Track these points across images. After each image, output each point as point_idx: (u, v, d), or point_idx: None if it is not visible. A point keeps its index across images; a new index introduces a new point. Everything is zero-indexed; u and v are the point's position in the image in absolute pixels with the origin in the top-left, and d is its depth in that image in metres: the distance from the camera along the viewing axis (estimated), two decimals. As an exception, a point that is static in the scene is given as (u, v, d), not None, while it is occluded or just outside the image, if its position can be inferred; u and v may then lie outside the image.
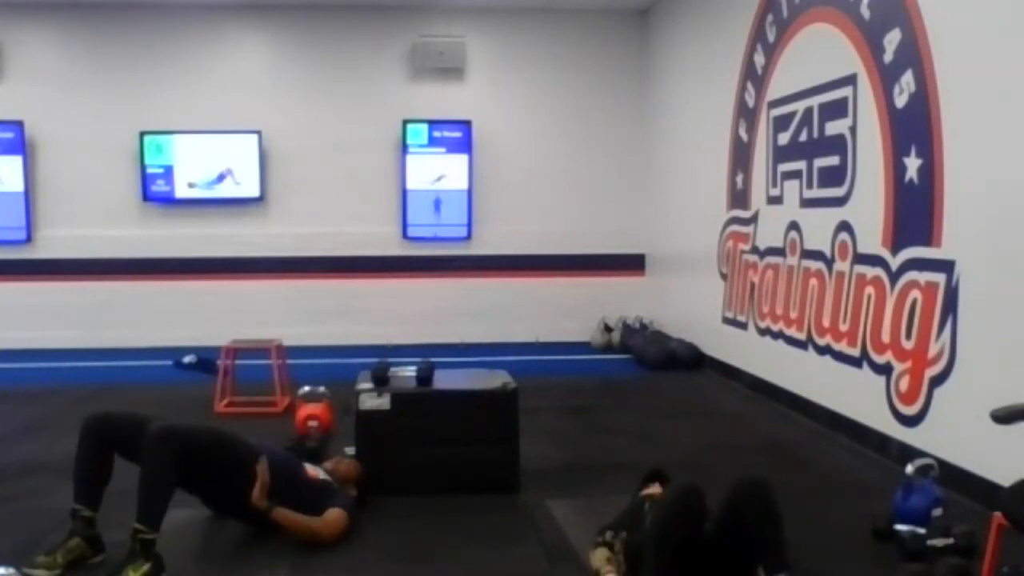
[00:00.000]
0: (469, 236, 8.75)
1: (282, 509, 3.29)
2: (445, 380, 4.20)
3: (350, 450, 4.03)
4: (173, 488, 3.10)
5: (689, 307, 7.77)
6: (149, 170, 8.41)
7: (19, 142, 8.28)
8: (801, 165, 5.59)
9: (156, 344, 8.17)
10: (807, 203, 5.54)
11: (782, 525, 2.74)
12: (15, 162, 8.29)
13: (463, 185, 8.64)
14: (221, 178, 8.48)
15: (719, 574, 2.81)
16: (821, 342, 5.30)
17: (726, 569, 2.82)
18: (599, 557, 2.98)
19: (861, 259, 4.84)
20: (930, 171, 4.18)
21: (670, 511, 2.79)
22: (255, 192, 8.53)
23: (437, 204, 8.67)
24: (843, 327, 5.01)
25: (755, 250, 6.33)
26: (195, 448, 3.21)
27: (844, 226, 5.02)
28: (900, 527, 3.25)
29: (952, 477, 3.76)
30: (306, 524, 3.32)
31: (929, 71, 4.17)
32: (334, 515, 3.38)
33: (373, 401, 3.95)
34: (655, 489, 3.32)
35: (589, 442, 5.06)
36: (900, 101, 4.42)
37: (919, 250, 4.28)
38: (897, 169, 4.47)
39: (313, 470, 3.61)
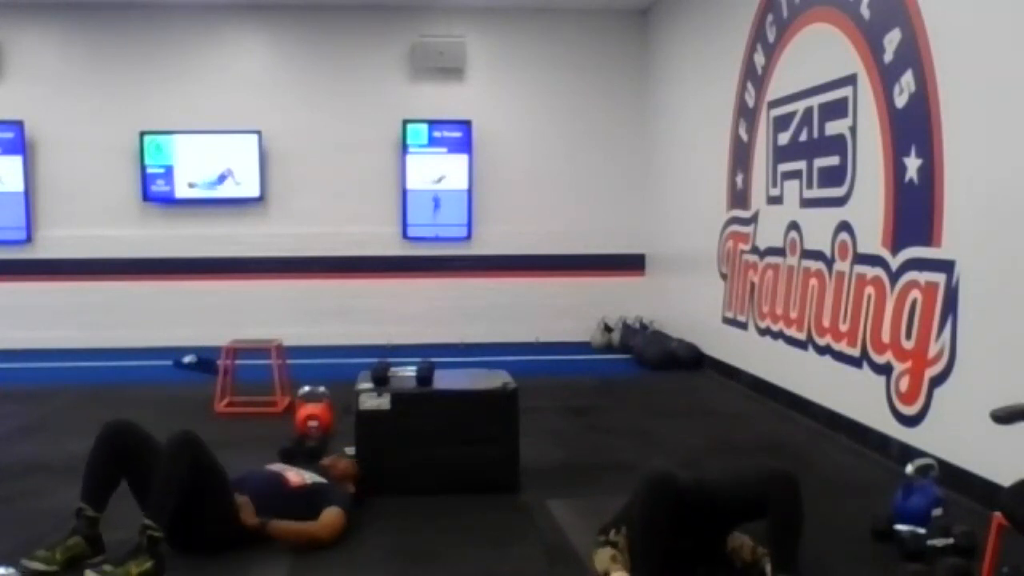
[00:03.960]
0: (469, 236, 8.74)
1: (275, 522, 3.30)
2: (445, 380, 4.20)
3: (350, 450, 4.03)
4: (186, 490, 3.09)
5: (689, 307, 7.77)
6: (149, 170, 8.41)
7: (19, 142, 8.28)
8: (801, 165, 5.59)
9: (156, 344, 8.17)
10: (807, 203, 5.54)
11: (802, 527, 2.76)
12: (15, 162, 8.29)
13: (463, 185, 8.64)
14: (222, 179, 8.48)
15: (706, 532, 2.90)
16: (821, 342, 5.30)
17: (719, 521, 2.91)
18: (604, 558, 2.97)
19: (861, 259, 4.84)
20: (930, 171, 4.18)
21: (646, 502, 2.82)
22: (255, 192, 8.53)
23: (437, 204, 8.67)
24: (843, 327, 5.01)
25: (755, 250, 6.33)
26: (208, 460, 3.23)
27: (844, 226, 5.02)
28: (900, 527, 3.25)
29: (952, 477, 3.76)
30: (302, 530, 3.32)
31: (929, 71, 4.17)
32: (330, 515, 3.38)
33: (373, 401, 3.95)
34: None
35: (589, 442, 5.06)
36: (900, 101, 4.42)
37: (919, 250, 4.28)
38: (897, 169, 4.47)
39: (297, 476, 3.56)
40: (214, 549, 3.23)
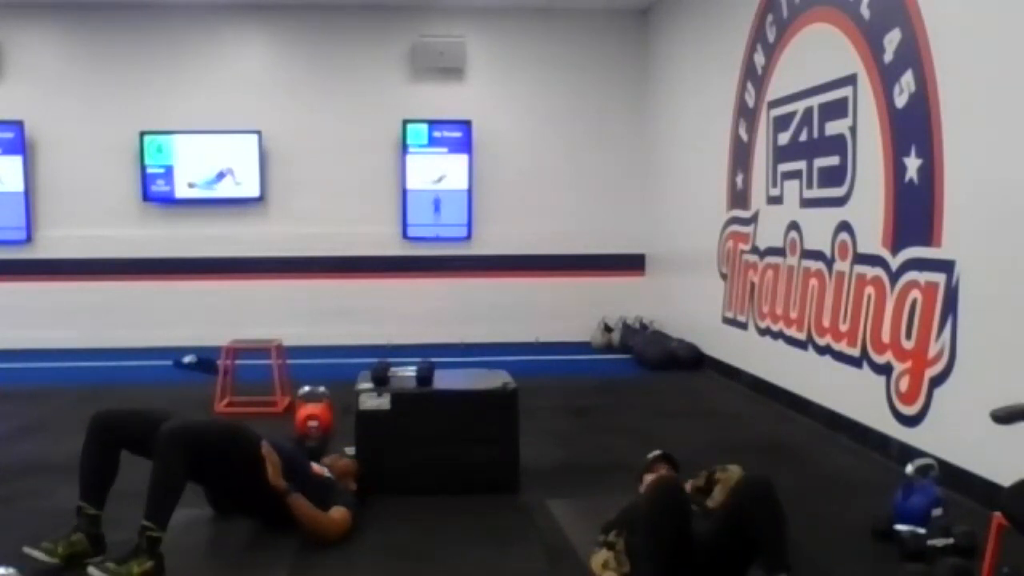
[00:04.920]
0: (469, 236, 8.74)
1: (299, 495, 3.31)
2: (445, 380, 4.20)
3: (350, 450, 4.03)
4: (183, 487, 3.11)
5: (689, 307, 7.77)
6: (149, 170, 8.41)
7: (19, 142, 8.28)
8: (801, 165, 5.59)
9: (156, 344, 8.17)
10: (807, 203, 5.54)
11: (786, 526, 2.75)
12: (15, 162, 8.29)
13: (463, 185, 8.64)
14: (221, 176, 8.48)
15: (717, 570, 2.82)
16: (821, 342, 5.30)
17: (725, 565, 2.83)
18: (597, 563, 2.98)
19: (861, 259, 4.83)
20: (930, 171, 4.18)
21: (653, 509, 2.80)
22: (255, 192, 8.53)
23: (437, 204, 8.67)
24: (843, 327, 5.01)
25: (755, 250, 6.33)
26: (207, 443, 3.24)
27: (844, 226, 5.02)
28: (900, 527, 3.25)
29: (952, 477, 3.76)
30: (317, 517, 3.34)
31: (929, 71, 4.17)
32: (341, 514, 3.41)
33: (373, 401, 3.95)
34: (663, 470, 3.34)
35: (589, 442, 5.06)
36: (900, 101, 4.42)
37: (919, 250, 4.28)
38: (897, 169, 4.47)
39: (318, 467, 3.64)
40: (244, 503, 3.40)
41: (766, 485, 2.78)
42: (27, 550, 3.00)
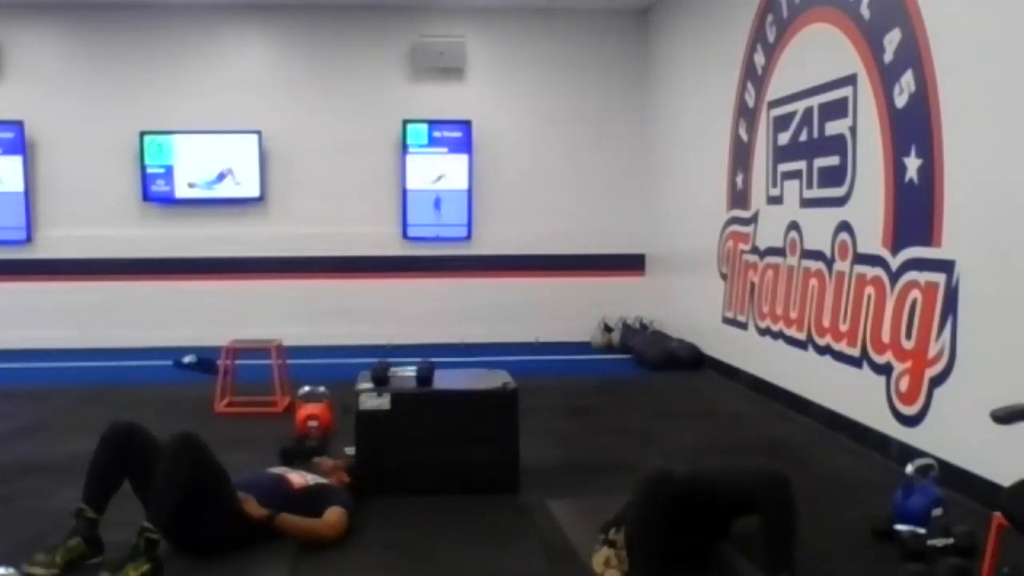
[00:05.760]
0: (469, 236, 8.74)
1: (285, 515, 3.31)
2: (445, 380, 4.20)
3: (350, 450, 4.04)
4: (184, 492, 3.09)
5: (689, 307, 7.77)
6: (149, 170, 8.41)
7: (19, 142, 8.28)
8: (801, 165, 5.59)
9: (156, 344, 8.17)
10: (807, 203, 5.54)
11: (796, 528, 2.76)
12: (15, 162, 8.29)
13: (463, 185, 8.64)
14: (221, 177, 8.49)
15: (703, 528, 2.96)
16: (821, 342, 5.30)
17: (710, 519, 2.97)
18: (599, 560, 2.98)
19: (861, 259, 4.84)
20: (930, 171, 4.18)
21: (641, 506, 2.83)
22: (255, 192, 8.53)
23: (437, 204, 8.68)
24: (843, 327, 5.01)
25: (755, 250, 6.33)
26: (209, 460, 3.23)
27: (844, 226, 5.02)
28: (900, 527, 3.25)
29: (952, 477, 3.76)
30: (309, 527, 3.33)
31: (929, 71, 4.17)
32: (335, 515, 3.39)
33: (373, 401, 3.95)
34: None
35: (589, 442, 5.06)
36: (900, 101, 4.42)
37: (919, 250, 4.28)
38: (897, 169, 4.47)
39: (299, 477, 3.58)
40: (216, 550, 3.22)
41: (786, 485, 2.79)
42: (25, 568, 2.97)
